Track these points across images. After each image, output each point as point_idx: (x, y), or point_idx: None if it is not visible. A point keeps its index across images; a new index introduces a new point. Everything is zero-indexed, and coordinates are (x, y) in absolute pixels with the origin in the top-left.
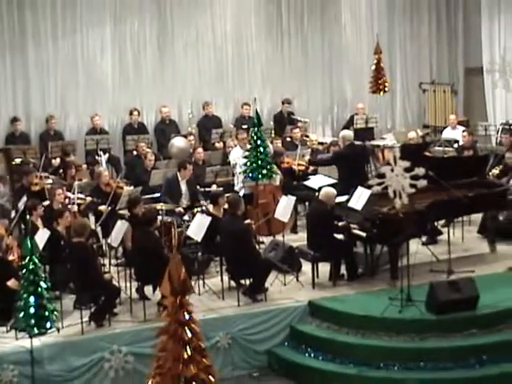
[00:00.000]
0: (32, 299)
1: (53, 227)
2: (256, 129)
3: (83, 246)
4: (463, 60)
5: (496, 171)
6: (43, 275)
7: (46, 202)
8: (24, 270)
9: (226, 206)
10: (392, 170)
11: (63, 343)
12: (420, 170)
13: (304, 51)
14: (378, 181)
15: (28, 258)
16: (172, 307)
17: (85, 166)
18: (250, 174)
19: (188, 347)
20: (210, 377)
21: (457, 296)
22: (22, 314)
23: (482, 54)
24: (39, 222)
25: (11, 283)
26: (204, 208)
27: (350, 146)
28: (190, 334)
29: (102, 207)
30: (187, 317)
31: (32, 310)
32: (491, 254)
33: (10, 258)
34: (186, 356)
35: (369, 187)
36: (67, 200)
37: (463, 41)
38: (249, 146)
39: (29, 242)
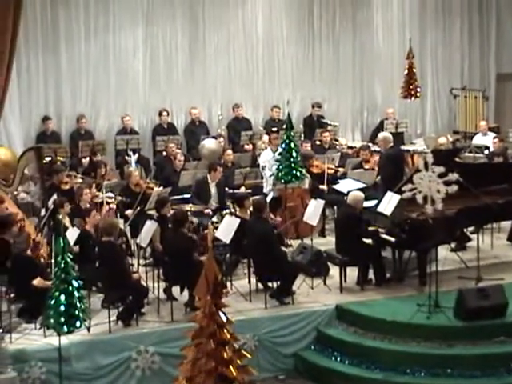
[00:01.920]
0: (63, 297)
1: (81, 226)
2: (288, 132)
3: (112, 245)
4: (495, 66)
5: None
6: (75, 274)
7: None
8: (56, 269)
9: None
10: (422, 177)
11: (91, 342)
12: (453, 176)
13: (335, 55)
14: (411, 186)
15: (60, 256)
16: (210, 309)
17: (109, 167)
18: (283, 179)
19: (228, 348)
20: (247, 377)
21: (485, 303)
22: (52, 312)
23: None
24: (66, 220)
25: (37, 282)
26: (232, 210)
27: (394, 147)
28: (228, 335)
29: (129, 211)
30: (224, 318)
31: (62, 309)
32: None
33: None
34: (226, 357)
35: (400, 192)
36: (96, 199)
37: (495, 46)
38: (279, 149)
39: (61, 241)
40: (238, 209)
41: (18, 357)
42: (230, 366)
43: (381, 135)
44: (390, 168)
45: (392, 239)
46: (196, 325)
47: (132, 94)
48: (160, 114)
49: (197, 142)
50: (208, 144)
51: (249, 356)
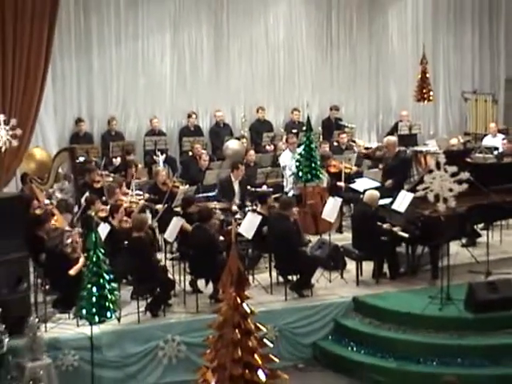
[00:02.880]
0: (95, 289)
1: (109, 222)
2: (308, 133)
3: (142, 240)
4: (505, 71)
5: None
6: (106, 267)
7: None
8: (88, 262)
9: (277, 204)
10: (434, 176)
11: (121, 331)
12: (465, 175)
13: (352, 60)
14: (425, 186)
15: (92, 250)
16: (234, 300)
17: (141, 166)
18: (303, 178)
19: (253, 338)
20: (269, 365)
21: (494, 296)
22: (84, 303)
23: None
24: (99, 215)
25: (73, 271)
26: (255, 207)
27: (402, 151)
28: (252, 325)
29: (159, 206)
30: (248, 309)
31: (94, 300)
32: None
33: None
34: (251, 345)
35: (413, 191)
36: (126, 197)
37: (505, 52)
38: (298, 150)
39: (93, 236)
40: (260, 206)
41: (52, 345)
42: (255, 355)
43: (390, 139)
44: (405, 171)
45: (406, 235)
46: (220, 316)
47: (160, 98)
48: (189, 117)
49: (221, 142)
50: (232, 145)
51: (270, 345)
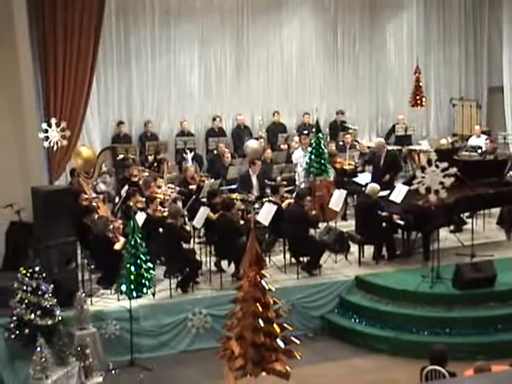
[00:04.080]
0: (133, 269)
1: (145, 211)
2: (318, 134)
3: (174, 226)
4: (487, 80)
5: None
6: (143, 250)
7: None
8: (127, 245)
9: (287, 194)
10: (425, 172)
11: (156, 305)
12: (453, 170)
13: (355, 71)
14: (418, 180)
15: (131, 235)
16: (255, 278)
17: (172, 163)
18: (314, 172)
19: (271, 309)
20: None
21: (478, 275)
22: (124, 281)
23: (503, 75)
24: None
25: (118, 246)
26: (270, 198)
27: (389, 150)
28: (271, 299)
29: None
30: (265, 286)
31: (132, 278)
32: (508, 241)
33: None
34: (270, 316)
35: (408, 184)
36: (159, 189)
37: (487, 64)
38: (309, 148)
39: (132, 223)
40: (273, 195)
41: (97, 316)
42: (274, 324)
43: (380, 141)
44: (397, 166)
45: (402, 222)
46: (241, 292)
47: (189, 103)
48: (214, 120)
49: (242, 142)
50: (251, 144)
51: (285, 315)
